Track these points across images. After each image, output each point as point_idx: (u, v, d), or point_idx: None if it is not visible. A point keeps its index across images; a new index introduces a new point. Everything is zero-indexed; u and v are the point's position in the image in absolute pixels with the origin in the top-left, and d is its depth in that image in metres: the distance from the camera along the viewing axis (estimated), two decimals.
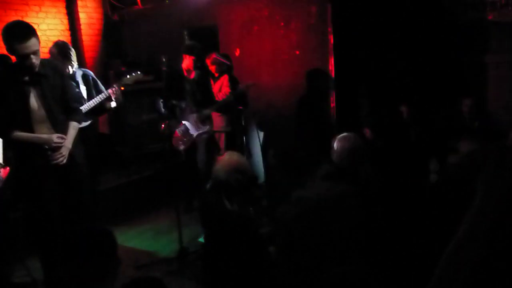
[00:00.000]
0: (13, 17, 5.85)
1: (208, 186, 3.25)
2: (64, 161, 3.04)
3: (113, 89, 3.89)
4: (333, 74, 4.82)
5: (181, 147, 4.62)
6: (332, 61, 4.79)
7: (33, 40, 2.76)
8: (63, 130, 3.08)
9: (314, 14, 4.88)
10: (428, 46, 4.73)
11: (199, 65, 4.72)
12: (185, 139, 4.62)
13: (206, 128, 4.79)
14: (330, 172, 2.67)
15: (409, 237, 2.55)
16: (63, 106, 3.12)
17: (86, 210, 3.29)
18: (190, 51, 4.58)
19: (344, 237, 2.16)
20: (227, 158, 3.12)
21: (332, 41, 4.76)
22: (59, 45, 3.90)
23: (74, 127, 3.17)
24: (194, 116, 4.68)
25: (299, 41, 5.06)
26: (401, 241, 2.60)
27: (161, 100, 4.53)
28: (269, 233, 3.10)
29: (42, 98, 2.95)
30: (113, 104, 4.04)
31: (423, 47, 4.71)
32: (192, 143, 4.72)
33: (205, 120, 4.76)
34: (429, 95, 4.56)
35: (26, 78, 2.91)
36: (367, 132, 4.56)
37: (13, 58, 2.90)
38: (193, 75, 4.71)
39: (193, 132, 4.67)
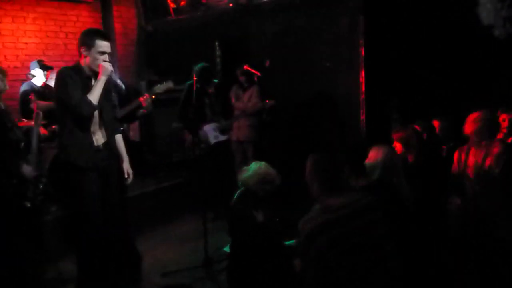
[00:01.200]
0: (52, 26, 6.08)
1: (235, 195, 3.26)
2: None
3: (144, 97, 3.97)
4: (363, 87, 4.77)
5: (198, 152, 4.72)
6: (363, 73, 4.74)
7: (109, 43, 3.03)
8: (112, 131, 3.26)
9: (346, 26, 4.85)
10: (463, 60, 4.64)
11: (199, 86, 4.77)
12: (202, 145, 4.71)
13: (225, 137, 4.90)
14: (362, 184, 2.63)
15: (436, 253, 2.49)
16: (111, 109, 3.33)
17: (119, 215, 3.37)
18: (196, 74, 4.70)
19: (369, 250, 2.12)
20: (254, 168, 3.12)
21: (363, 53, 4.72)
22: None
23: (121, 139, 3.41)
24: (215, 124, 4.80)
25: (330, 53, 5.04)
26: (427, 258, 2.54)
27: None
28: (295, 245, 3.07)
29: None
30: (143, 112, 4.14)
31: (458, 61, 4.62)
32: (212, 151, 4.80)
33: (224, 130, 4.87)
34: (462, 110, 4.46)
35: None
36: (398, 146, 4.48)
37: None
38: (210, 89, 4.84)
39: (212, 140, 4.77)
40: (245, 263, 2.91)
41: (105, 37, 3.04)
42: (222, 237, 4.08)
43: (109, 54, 3.05)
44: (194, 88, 4.53)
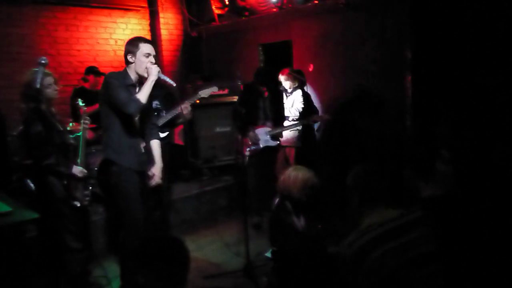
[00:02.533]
0: (103, 34, 6.32)
1: (276, 201, 3.24)
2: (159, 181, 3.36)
3: (183, 106, 4.04)
4: (410, 91, 4.63)
5: (246, 153, 4.71)
6: (409, 77, 4.61)
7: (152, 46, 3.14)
8: (150, 136, 3.36)
9: (391, 28, 4.73)
10: None
11: (257, 88, 4.82)
12: (252, 147, 4.70)
13: (275, 143, 4.87)
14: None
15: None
16: (152, 115, 3.44)
17: (159, 217, 3.43)
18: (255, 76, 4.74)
19: (414, 268, 2.01)
20: (295, 173, 3.09)
21: (409, 56, 4.59)
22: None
23: (158, 144, 3.44)
24: (267, 129, 4.78)
25: (374, 57, 4.93)
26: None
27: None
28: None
29: None
30: (182, 120, 4.23)
31: (509, 66, 4.38)
32: (260, 154, 4.79)
33: (275, 136, 4.85)
34: None
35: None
36: (445, 153, 4.30)
37: None
38: (266, 93, 4.82)
39: (262, 143, 4.76)
40: (286, 269, 2.88)
41: (148, 41, 3.15)
42: (264, 242, 4.06)
43: (154, 56, 3.12)
44: (251, 89, 4.59)
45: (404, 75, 4.64)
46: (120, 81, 3.06)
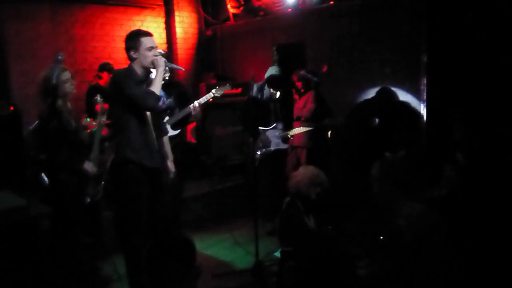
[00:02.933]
0: (119, 31, 6.37)
1: (286, 201, 3.23)
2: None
3: (194, 106, 4.06)
4: (426, 95, 4.59)
5: (257, 155, 4.70)
6: (424, 80, 4.56)
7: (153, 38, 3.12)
8: (160, 134, 3.40)
9: (408, 31, 4.69)
10: None
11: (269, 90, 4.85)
12: (263, 149, 4.70)
13: (286, 146, 4.85)
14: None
15: None
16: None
17: (169, 214, 3.46)
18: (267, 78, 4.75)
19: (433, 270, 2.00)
20: (304, 171, 3.09)
21: (426, 59, 4.54)
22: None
23: (167, 139, 3.55)
24: (279, 132, 4.76)
25: (389, 59, 4.89)
26: None
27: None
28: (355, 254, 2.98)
29: None
30: (194, 118, 4.25)
31: None
32: (270, 156, 4.79)
33: (286, 139, 4.83)
34: None
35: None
36: (460, 158, 4.25)
37: None
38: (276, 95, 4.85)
39: (273, 146, 4.75)
40: (295, 269, 2.88)
41: (148, 33, 3.12)
42: (273, 242, 4.06)
43: (156, 48, 3.12)
44: (263, 91, 4.60)
45: (419, 78, 4.60)
46: (129, 77, 3.05)
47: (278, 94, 4.84)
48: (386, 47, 4.89)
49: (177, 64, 6.61)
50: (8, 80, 5.18)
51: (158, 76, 3.06)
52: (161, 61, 3.07)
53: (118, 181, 3.21)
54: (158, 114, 3.36)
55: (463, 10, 4.35)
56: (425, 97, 4.61)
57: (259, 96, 4.91)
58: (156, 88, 3.04)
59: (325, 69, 5.50)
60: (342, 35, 5.30)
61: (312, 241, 2.76)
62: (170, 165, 3.49)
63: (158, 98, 3.02)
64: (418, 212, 2.11)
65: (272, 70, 4.57)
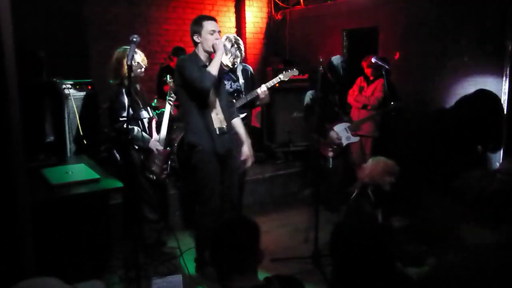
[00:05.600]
0: (190, 14, 6.50)
1: (356, 191, 3.16)
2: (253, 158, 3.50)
3: (262, 90, 4.04)
4: (508, 88, 4.26)
5: (330, 154, 4.52)
6: (508, 70, 4.23)
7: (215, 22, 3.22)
8: (230, 116, 3.43)
9: (492, 16, 4.35)
10: None
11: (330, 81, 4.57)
12: (335, 147, 4.50)
13: (357, 138, 4.64)
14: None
15: None
16: (227, 95, 3.57)
17: (235, 196, 3.52)
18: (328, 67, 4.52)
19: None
20: (377, 161, 3.01)
21: (511, 47, 4.20)
22: (231, 38, 4.03)
23: (241, 122, 3.54)
24: (346, 124, 4.56)
25: (470, 46, 4.58)
26: None
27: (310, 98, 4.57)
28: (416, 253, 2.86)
29: (214, 85, 3.25)
30: (260, 102, 4.23)
31: None
32: (343, 151, 4.62)
33: (356, 130, 4.63)
34: None
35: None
36: None
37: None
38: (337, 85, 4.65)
39: (345, 141, 4.54)
40: (352, 263, 2.81)
41: (211, 18, 3.21)
42: None
43: (218, 32, 3.20)
44: (323, 82, 4.43)
45: (502, 67, 4.26)
46: (192, 63, 3.16)
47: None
48: (468, 35, 4.57)
49: (245, 47, 6.65)
50: (87, 60, 5.47)
51: (216, 58, 3.14)
52: (221, 44, 3.14)
53: (187, 161, 3.33)
54: (223, 98, 3.41)
55: None
56: (507, 89, 4.28)
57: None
58: (213, 68, 3.11)
59: (397, 56, 5.26)
60: (419, 20, 5.03)
61: (377, 235, 2.67)
62: (246, 149, 3.46)
63: (213, 78, 3.09)
64: None
65: (335, 60, 4.35)
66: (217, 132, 3.30)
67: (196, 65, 3.16)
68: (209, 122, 3.27)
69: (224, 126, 3.37)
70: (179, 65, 3.22)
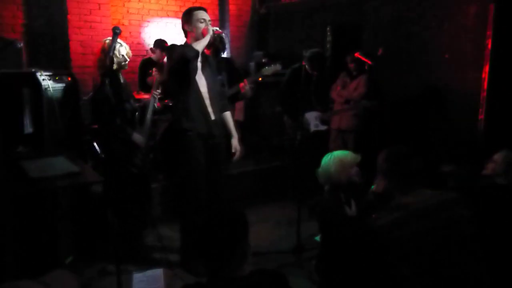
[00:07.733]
0: (173, 6, 6.43)
1: (326, 188, 3.15)
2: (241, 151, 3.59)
3: (243, 84, 4.04)
4: (485, 84, 4.34)
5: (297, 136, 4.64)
6: (486, 68, 4.30)
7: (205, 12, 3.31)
8: (220, 108, 3.45)
9: (472, 15, 4.43)
10: None
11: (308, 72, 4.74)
12: (301, 131, 4.64)
13: (324, 127, 4.82)
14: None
15: None
16: (219, 87, 3.59)
17: (221, 189, 3.52)
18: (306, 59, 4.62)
19: (448, 247, 1.95)
20: (342, 157, 2.94)
21: (490, 46, 4.27)
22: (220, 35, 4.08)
23: (230, 116, 3.62)
24: (317, 113, 4.71)
25: (450, 44, 4.65)
26: None
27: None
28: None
29: (205, 74, 3.32)
30: (243, 96, 4.23)
31: None
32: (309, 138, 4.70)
33: (326, 121, 4.76)
34: None
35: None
36: None
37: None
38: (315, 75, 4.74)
39: (312, 127, 4.70)
40: (334, 257, 2.83)
41: (201, 8, 3.31)
42: (315, 225, 4.03)
43: (209, 22, 3.27)
44: (302, 73, 4.48)
45: (481, 65, 4.34)
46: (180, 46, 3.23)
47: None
48: (448, 31, 4.64)
49: (229, 40, 6.62)
50: (67, 50, 5.37)
51: (204, 39, 3.19)
52: (210, 31, 3.22)
53: (177, 150, 3.33)
54: (214, 87, 3.42)
55: None
56: (485, 86, 4.36)
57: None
58: (198, 45, 3.15)
59: (380, 52, 5.30)
60: (401, 18, 5.08)
61: (351, 231, 2.67)
62: (235, 143, 3.53)
63: (196, 52, 3.12)
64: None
65: (312, 53, 4.59)
66: (212, 117, 3.32)
67: (185, 49, 3.18)
68: (204, 107, 3.29)
69: (214, 119, 3.37)
70: (169, 48, 3.34)
